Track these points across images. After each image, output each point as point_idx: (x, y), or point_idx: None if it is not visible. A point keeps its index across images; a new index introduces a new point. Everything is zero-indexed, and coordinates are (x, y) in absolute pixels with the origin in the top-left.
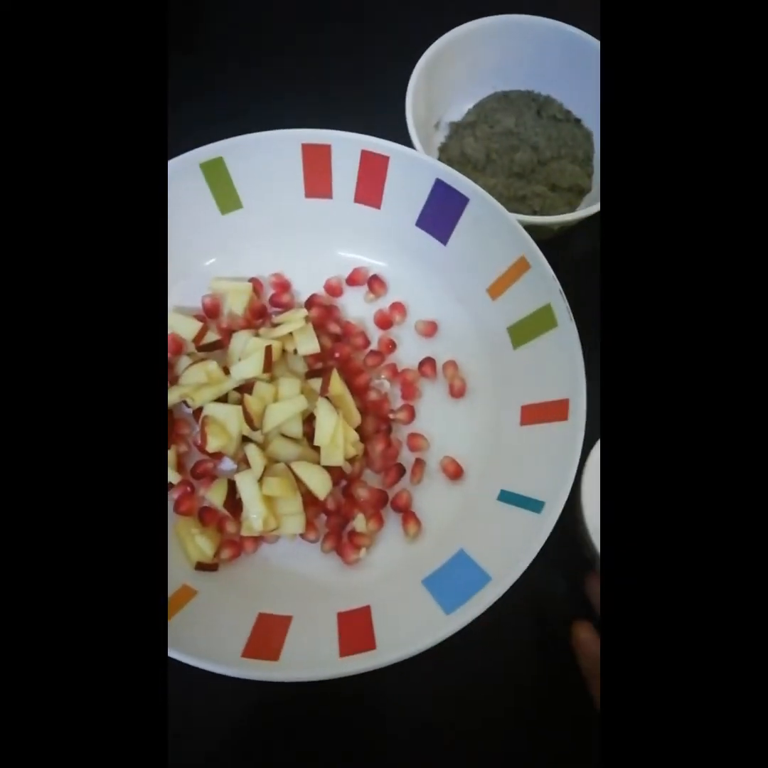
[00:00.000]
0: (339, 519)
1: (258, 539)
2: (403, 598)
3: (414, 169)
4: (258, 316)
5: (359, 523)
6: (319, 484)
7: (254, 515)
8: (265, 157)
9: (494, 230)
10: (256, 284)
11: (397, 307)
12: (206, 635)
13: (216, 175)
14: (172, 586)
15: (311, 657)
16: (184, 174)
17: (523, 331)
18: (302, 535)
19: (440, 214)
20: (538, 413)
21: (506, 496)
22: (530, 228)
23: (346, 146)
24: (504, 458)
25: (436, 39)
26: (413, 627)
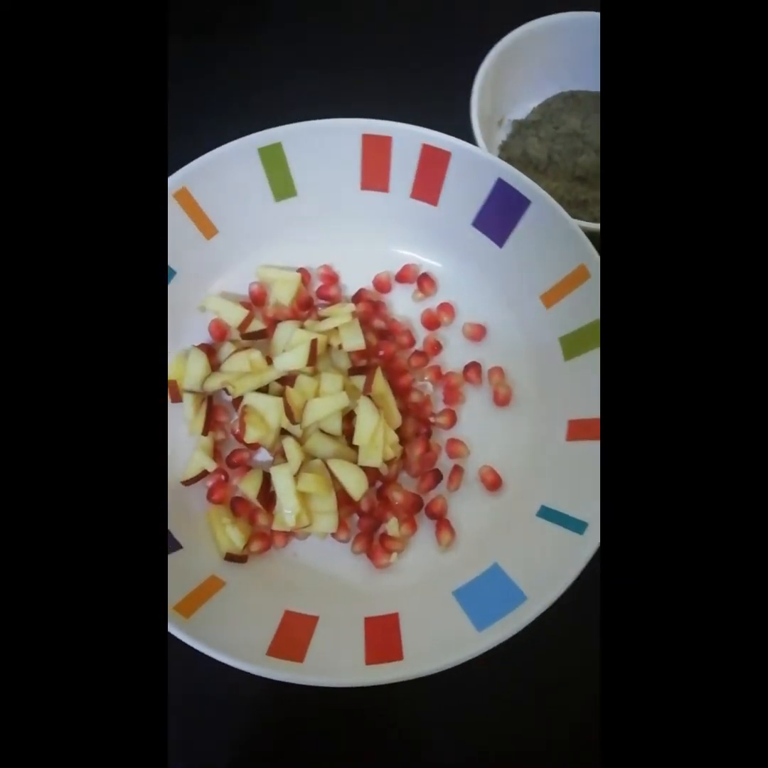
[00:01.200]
0: (372, 521)
1: (288, 534)
2: (433, 609)
3: (476, 167)
4: (304, 308)
5: (392, 526)
6: (355, 484)
7: (288, 510)
8: (324, 146)
9: (555, 236)
10: (304, 275)
11: (446, 307)
12: (232, 629)
13: (273, 160)
14: (201, 576)
15: (337, 662)
16: (242, 158)
17: (576, 343)
18: (333, 535)
19: (499, 215)
20: (586, 429)
21: (546, 513)
22: (590, 235)
23: (408, 139)
24: (546, 473)
25: (504, 34)
26: (442, 640)
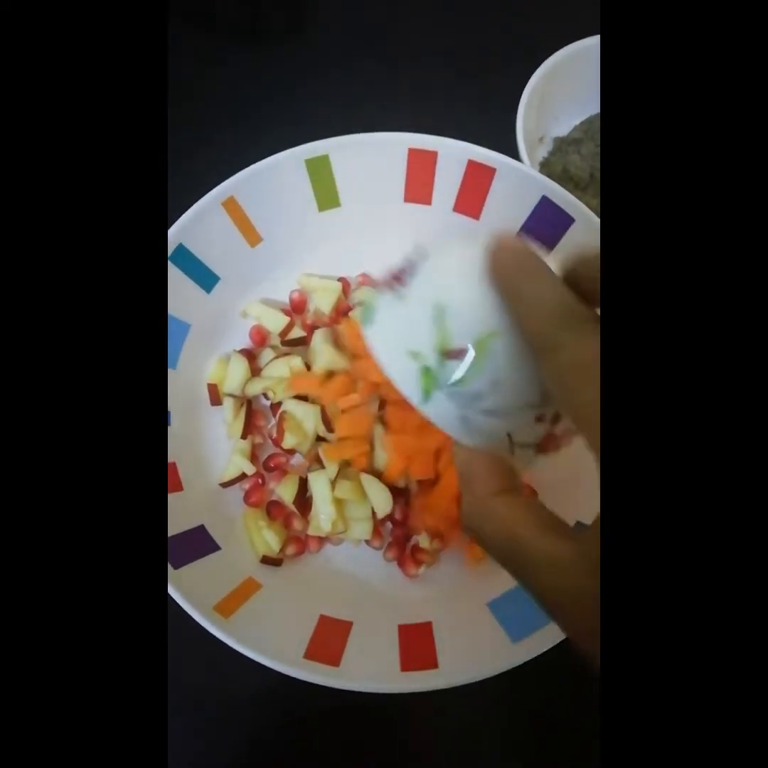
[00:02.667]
0: (405, 530)
1: (323, 539)
2: (467, 619)
3: (520, 184)
4: (342, 315)
5: (423, 540)
6: (381, 504)
7: (324, 516)
8: (370, 158)
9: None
10: (344, 284)
11: None
12: (270, 631)
13: (320, 171)
14: (239, 577)
15: (372, 667)
16: (289, 168)
17: None
18: (367, 541)
19: (541, 231)
20: None
21: (582, 529)
22: None
23: (453, 154)
24: (580, 488)
25: (548, 53)
26: (478, 651)
